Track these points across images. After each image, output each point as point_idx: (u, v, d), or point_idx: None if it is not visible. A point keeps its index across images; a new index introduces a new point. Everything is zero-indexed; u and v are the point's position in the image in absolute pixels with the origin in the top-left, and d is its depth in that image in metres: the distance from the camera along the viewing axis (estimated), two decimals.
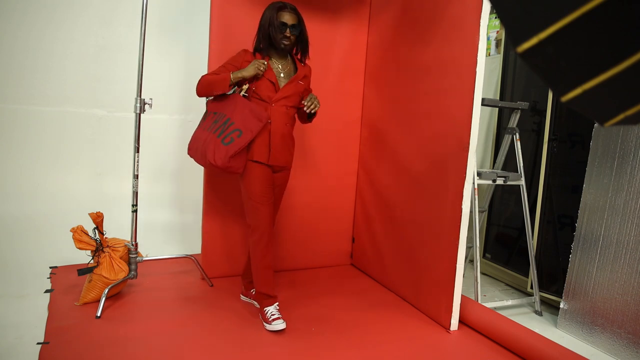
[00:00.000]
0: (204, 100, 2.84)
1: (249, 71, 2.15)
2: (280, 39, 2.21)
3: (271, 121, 2.22)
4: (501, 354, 2.10)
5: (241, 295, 2.60)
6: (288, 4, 2.24)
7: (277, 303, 2.28)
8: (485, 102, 2.57)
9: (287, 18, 2.21)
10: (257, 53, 2.28)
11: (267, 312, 2.23)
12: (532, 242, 2.77)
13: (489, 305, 2.54)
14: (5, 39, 2.97)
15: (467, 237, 2.26)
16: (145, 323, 2.19)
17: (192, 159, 2.37)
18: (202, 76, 2.27)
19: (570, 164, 2.74)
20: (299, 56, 2.35)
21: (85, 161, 3.22)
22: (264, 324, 2.22)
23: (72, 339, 1.98)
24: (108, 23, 3.17)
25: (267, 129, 2.23)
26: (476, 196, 2.63)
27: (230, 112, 2.19)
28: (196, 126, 2.40)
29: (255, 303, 2.48)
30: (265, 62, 2.18)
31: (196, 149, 2.28)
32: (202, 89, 2.24)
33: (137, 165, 2.46)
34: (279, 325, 2.17)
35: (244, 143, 2.15)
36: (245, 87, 2.18)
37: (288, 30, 2.20)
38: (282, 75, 2.28)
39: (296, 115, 2.42)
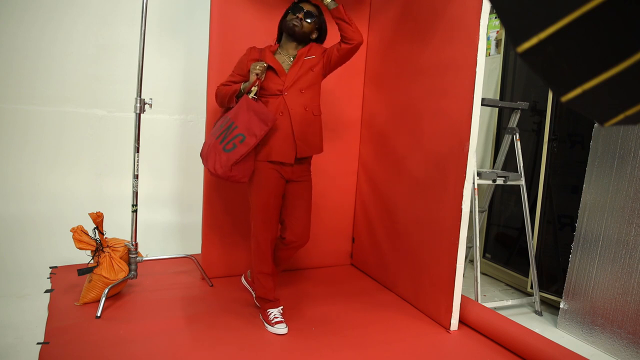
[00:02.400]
0: (204, 100, 2.85)
1: (250, 79, 2.11)
2: (292, 19, 2.17)
3: (290, 110, 2.13)
4: (501, 354, 2.10)
5: (242, 278, 2.61)
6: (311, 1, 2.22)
7: (281, 307, 2.26)
8: (485, 102, 2.57)
9: (306, 5, 2.19)
10: (265, 48, 2.24)
11: (270, 314, 2.22)
12: (532, 242, 2.77)
13: (489, 305, 2.54)
14: (4, 39, 2.97)
15: (467, 237, 2.26)
16: (145, 323, 2.19)
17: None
18: (217, 87, 2.24)
19: (570, 164, 2.74)
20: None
21: (85, 161, 3.22)
22: (266, 324, 2.22)
23: (72, 339, 1.98)
24: (108, 23, 3.17)
25: (288, 120, 2.13)
26: (476, 196, 2.63)
27: (235, 115, 2.09)
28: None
29: (252, 291, 2.49)
30: (264, 63, 2.12)
31: (202, 156, 2.19)
32: (219, 102, 2.23)
33: (137, 165, 2.46)
34: (281, 329, 2.16)
35: (246, 150, 2.02)
36: (254, 89, 2.11)
37: (302, 13, 2.17)
38: (291, 60, 2.21)
39: (342, 42, 2.15)
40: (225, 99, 2.18)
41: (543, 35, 0.40)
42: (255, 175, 2.15)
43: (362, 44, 2.17)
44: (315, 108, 2.23)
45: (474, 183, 2.59)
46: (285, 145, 2.14)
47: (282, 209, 2.27)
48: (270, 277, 2.25)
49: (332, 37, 2.62)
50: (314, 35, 2.28)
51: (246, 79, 2.18)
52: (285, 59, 2.22)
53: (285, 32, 2.23)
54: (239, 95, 2.16)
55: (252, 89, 2.11)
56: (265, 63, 2.14)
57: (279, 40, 2.31)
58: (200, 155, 2.26)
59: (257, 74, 2.09)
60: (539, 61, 0.43)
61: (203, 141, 2.51)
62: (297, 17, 2.17)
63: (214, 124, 2.32)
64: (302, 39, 2.23)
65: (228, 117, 2.12)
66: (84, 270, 2.33)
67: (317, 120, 2.25)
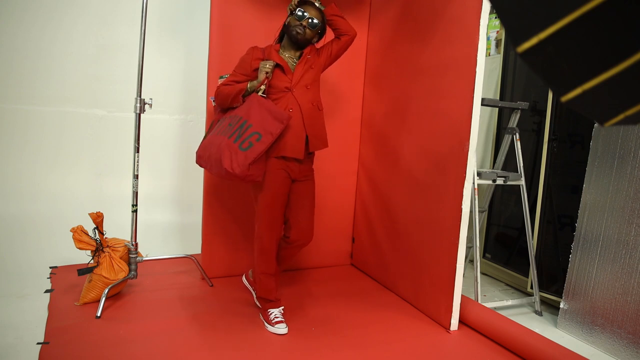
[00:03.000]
0: (204, 100, 2.85)
1: (259, 79, 2.12)
2: (295, 26, 2.17)
3: (300, 105, 2.15)
4: (501, 354, 2.10)
5: (243, 277, 2.63)
6: (317, 5, 2.22)
7: (282, 307, 2.26)
8: (485, 102, 2.57)
9: (311, 12, 2.19)
10: (266, 48, 2.25)
11: (270, 314, 2.22)
12: (532, 242, 2.77)
13: (489, 305, 2.54)
14: (5, 39, 2.97)
15: (467, 237, 2.26)
16: (145, 323, 2.19)
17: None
18: (219, 87, 2.22)
19: (570, 164, 2.74)
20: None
21: (85, 161, 3.22)
22: (266, 324, 2.22)
23: (72, 339, 1.98)
24: (108, 23, 3.17)
25: (299, 115, 2.14)
26: (476, 196, 2.62)
27: (247, 113, 2.07)
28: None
29: (252, 291, 2.50)
30: (273, 62, 2.13)
31: (208, 157, 2.11)
32: (221, 101, 2.20)
33: (137, 165, 2.46)
34: (281, 329, 2.16)
35: (263, 148, 2.00)
36: (262, 87, 2.12)
37: (307, 21, 2.17)
38: (294, 63, 2.24)
39: (339, 38, 2.27)
40: (229, 98, 2.16)
41: (543, 35, 0.40)
42: (269, 169, 2.15)
43: (356, 35, 2.32)
44: (319, 103, 2.28)
45: (474, 183, 2.59)
46: (297, 140, 2.15)
47: (286, 209, 2.27)
48: (272, 277, 2.26)
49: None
50: (315, 40, 2.30)
51: (250, 78, 2.18)
52: (288, 58, 2.24)
53: (287, 37, 2.24)
54: (244, 94, 2.16)
55: (261, 87, 2.12)
56: (273, 61, 2.15)
57: (280, 40, 2.32)
58: (198, 155, 2.25)
59: (266, 72, 2.10)
60: (539, 61, 0.43)
61: None
62: (301, 24, 2.18)
63: (213, 123, 2.32)
64: (304, 45, 2.25)
65: (239, 116, 2.10)
66: (84, 270, 2.33)
67: (322, 115, 2.29)
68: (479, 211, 2.77)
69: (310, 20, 2.18)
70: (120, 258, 2.42)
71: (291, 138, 2.14)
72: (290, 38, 2.21)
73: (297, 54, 2.26)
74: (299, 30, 2.17)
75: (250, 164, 1.98)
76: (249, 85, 2.14)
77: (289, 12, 2.23)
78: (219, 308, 2.41)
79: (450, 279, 2.27)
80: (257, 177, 2.05)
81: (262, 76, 2.10)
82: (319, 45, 2.33)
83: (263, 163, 2.09)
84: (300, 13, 2.17)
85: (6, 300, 2.36)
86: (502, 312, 2.53)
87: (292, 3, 2.20)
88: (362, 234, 3.14)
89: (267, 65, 2.10)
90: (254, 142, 2.00)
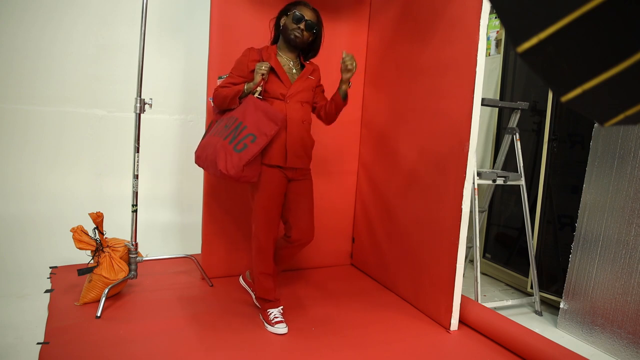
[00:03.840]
0: (204, 100, 2.85)
1: (255, 80, 2.11)
2: (293, 29, 2.17)
3: (288, 119, 2.14)
4: (501, 354, 2.10)
5: (240, 278, 2.63)
6: (310, 5, 2.22)
7: (281, 307, 2.27)
8: (485, 102, 2.57)
9: (307, 13, 2.19)
10: (263, 49, 2.25)
11: (270, 314, 2.22)
12: (532, 242, 2.77)
13: (489, 305, 2.54)
14: (5, 39, 2.97)
15: (467, 237, 2.26)
16: (145, 323, 2.19)
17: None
18: (216, 89, 2.22)
19: (570, 164, 2.74)
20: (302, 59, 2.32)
21: (85, 161, 3.22)
22: (266, 324, 2.22)
23: (72, 339, 1.98)
24: (108, 23, 3.17)
25: (284, 127, 2.14)
26: (476, 196, 2.62)
27: (242, 114, 2.08)
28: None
29: (251, 292, 2.50)
30: (268, 64, 2.12)
31: (205, 158, 2.13)
32: (219, 103, 2.20)
33: (137, 165, 2.46)
34: (281, 329, 2.16)
35: (258, 149, 2.02)
36: (259, 89, 2.12)
37: (304, 23, 2.17)
38: (294, 71, 2.24)
39: (321, 113, 2.32)
40: (226, 100, 2.16)
41: (543, 35, 0.40)
42: (261, 175, 2.15)
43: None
44: (309, 125, 2.28)
45: (474, 183, 2.59)
46: (277, 150, 2.15)
47: (284, 208, 2.27)
48: (271, 277, 2.26)
49: (329, 47, 2.62)
50: (311, 39, 2.28)
51: (247, 80, 2.18)
52: (285, 61, 2.24)
53: (284, 39, 2.23)
54: (241, 96, 2.16)
55: (257, 89, 2.12)
56: (269, 64, 2.14)
57: (275, 41, 2.31)
58: (197, 156, 2.25)
59: (262, 75, 2.09)
60: (539, 61, 0.43)
61: None
62: (299, 27, 2.17)
63: (211, 124, 2.32)
64: (301, 46, 2.25)
65: (235, 117, 2.10)
66: (84, 270, 2.33)
67: (310, 137, 2.28)
68: (479, 211, 2.77)
69: (307, 22, 2.18)
70: (120, 258, 2.42)
71: (272, 148, 2.13)
72: (289, 41, 2.21)
73: (294, 55, 2.27)
74: (297, 34, 2.18)
75: (244, 165, 2.00)
76: (245, 87, 2.14)
77: (282, 14, 2.24)
78: (218, 308, 2.41)
79: (450, 279, 2.27)
80: (251, 178, 2.06)
81: (258, 78, 2.10)
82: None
83: (258, 164, 2.09)
84: (297, 15, 2.17)
85: (6, 300, 2.36)
86: (502, 312, 2.53)
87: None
88: (362, 234, 3.14)
89: (263, 67, 2.09)
90: (248, 144, 2.01)
